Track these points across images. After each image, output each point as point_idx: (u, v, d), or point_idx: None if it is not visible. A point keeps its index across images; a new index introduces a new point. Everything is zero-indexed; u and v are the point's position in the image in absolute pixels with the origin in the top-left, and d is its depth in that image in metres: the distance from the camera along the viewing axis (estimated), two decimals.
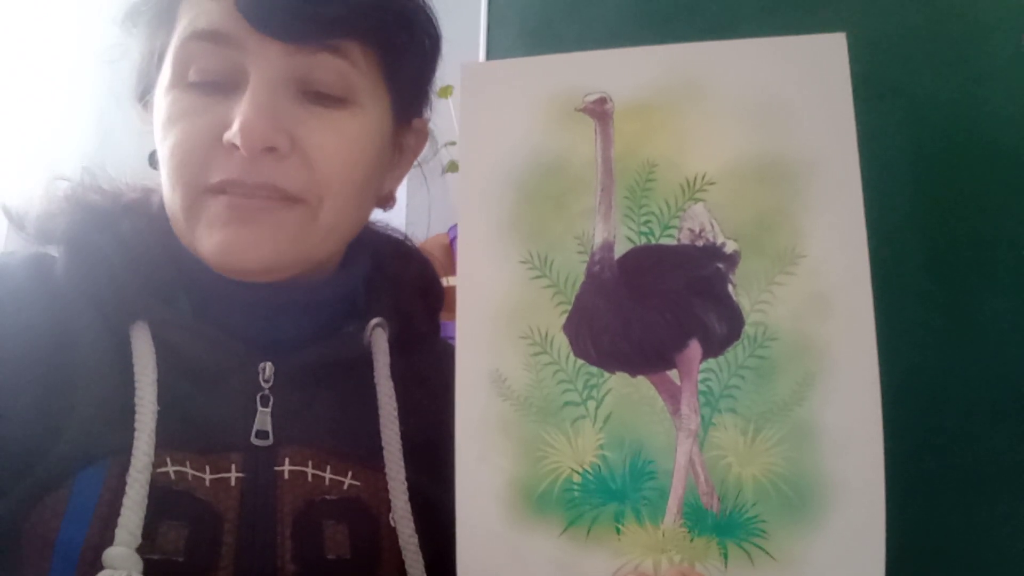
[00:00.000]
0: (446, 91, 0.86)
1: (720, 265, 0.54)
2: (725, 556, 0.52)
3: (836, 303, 0.52)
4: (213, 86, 0.63)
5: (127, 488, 0.56)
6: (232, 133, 0.60)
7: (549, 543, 0.54)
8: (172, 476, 0.59)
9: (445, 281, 0.83)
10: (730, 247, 0.54)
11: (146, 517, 0.56)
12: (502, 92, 0.59)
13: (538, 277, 0.57)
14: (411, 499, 0.65)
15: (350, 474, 0.65)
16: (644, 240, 0.55)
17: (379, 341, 0.71)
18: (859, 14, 0.78)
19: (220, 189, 0.62)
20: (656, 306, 0.55)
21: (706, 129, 0.55)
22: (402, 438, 0.67)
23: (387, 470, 0.65)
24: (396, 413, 0.67)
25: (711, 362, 0.54)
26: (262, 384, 0.65)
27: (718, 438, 0.53)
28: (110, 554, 0.54)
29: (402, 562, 0.63)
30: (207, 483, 0.60)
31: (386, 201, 0.77)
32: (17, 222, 0.68)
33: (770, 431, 0.52)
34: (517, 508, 0.55)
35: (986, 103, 0.71)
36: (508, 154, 0.58)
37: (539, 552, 0.54)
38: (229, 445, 0.62)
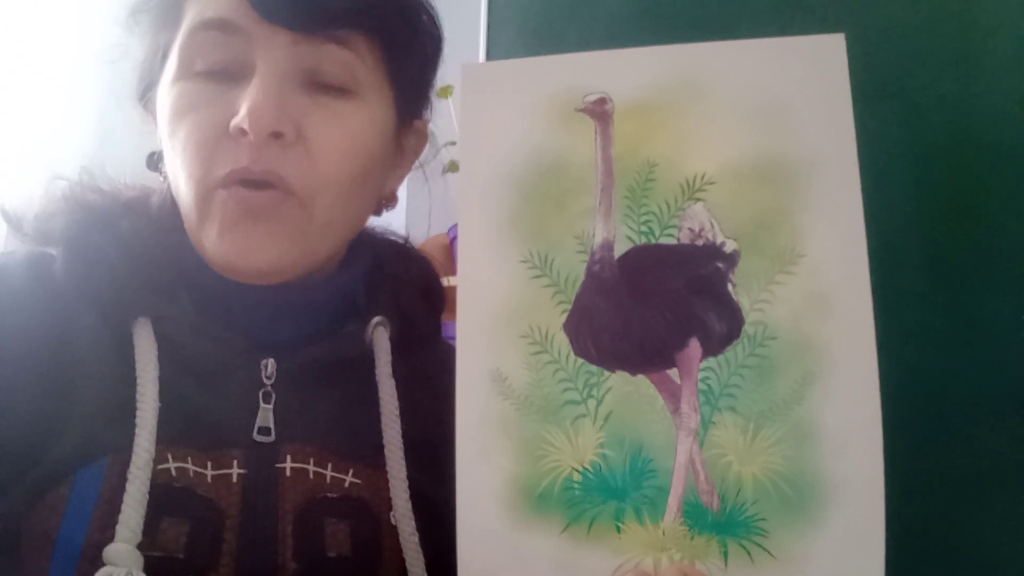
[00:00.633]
0: (446, 91, 0.87)
1: (720, 264, 0.54)
2: (725, 554, 0.52)
3: (835, 302, 0.52)
4: (220, 76, 0.63)
5: (128, 485, 0.56)
6: (240, 118, 0.60)
7: (549, 542, 0.54)
8: (173, 473, 0.59)
9: (445, 281, 0.83)
10: (730, 246, 0.54)
11: (147, 514, 0.56)
12: (502, 92, 0.59)
13: (538, 276, 0.57)
14: (412, 498, 0.65)
15: (351, 472, 0.65)
16: (644, 240, 0.56)
17: (380, 340, 0.71)
18: (859, 14, 0.78)
19: (227, 182, 0.62)
20: (656, 305, 0.55)
21: (706, 129, 0.55)
22: (403, 437, 0.67)
23: (388, 468, 0.65)
24: (397, 412, 0.67)
25: (711, 361, 0.54)
26: (264, 381, 0.65)
27: (718, 437, 0.53)
28: (111, 551, 0.54)
29: (403, 560, 0.63)
30: (208, 480, 0.60)
31: (388, 201, 0.77)
32: (15, 223, 0.68)
33: (770, 430, 0.52)
34: (517, 507, 0.55)
35: (985, 103, 0.71)
36: (508, 154, 0.58)
37: (539, 551, 0.54)
38: (231, 442, 0.62)
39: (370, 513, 0.64)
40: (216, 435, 0.62)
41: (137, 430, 0.58)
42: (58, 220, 0.67)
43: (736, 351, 0.53)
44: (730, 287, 0.54)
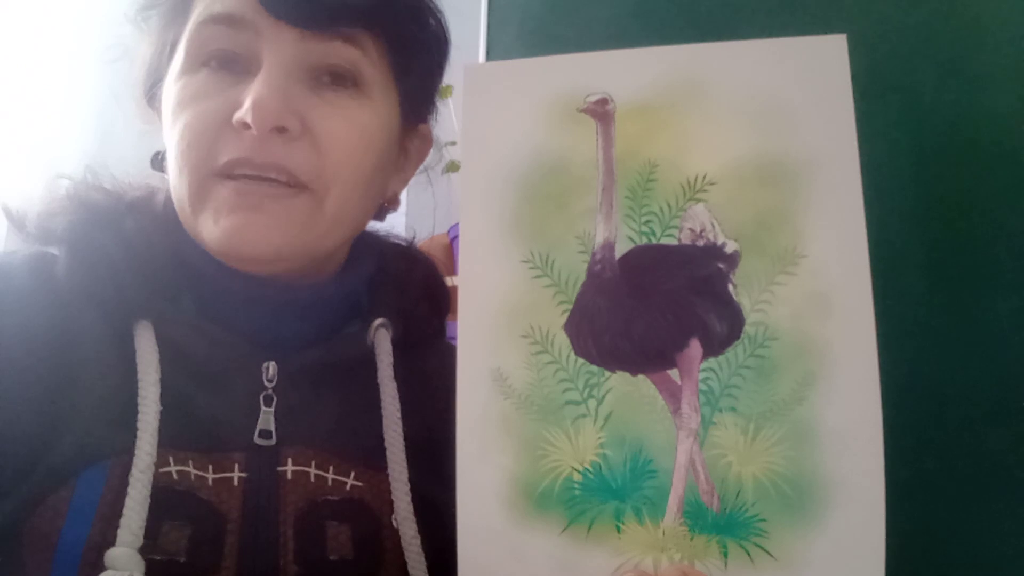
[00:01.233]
0: (447, 91, 0.87)
1: (721, 265, 0.54)
2: (725, 555, 0.52)
3: (836, 303, 0.52)
4: (226, 70, 0.63)
5: (129, 488, 0.56)
6: (243, 111, 0.60)
7: (550, 541, 0.54)
8: (175, 476, 0.59)
9: (447, 281, 0.83)
10: (731, 247, 0.54)
11: (148, 517, 0.56)
12: (504, 93, 0.59)
13: (539, 276, 0.57)
14: (413, 500, 0.65)
15: (353, 475, 0.65)
16: (645, 240, 0.56)
17: (382, 341, 0.71)
18: (859, 15, 0.78)
19: (228, 172, 0.62)
20: (657, 305, 0.55)
21: (707, 129, 0.55)
22: (405, 439, 0.67)
23: (390, 471, 0.65)
24: (399, 414, 0.67)
25: (711, 361, 0.54)
26: (265, 384, 0.65)
27: (718, 437, 0.53)
28: (112, 555, 0.54)
29: (404, 563, 0.63)
30: (210, 483, 0.60)
31: (391, 204, 0.77)
32: (17, 222, 0.68)
33: (770, 430, 0.52)
34: (518, 506, 0.55)
35: (986, 103, 0.71)
36: (510, 154, 0.58)
37: (540, 550, 0.54)
38: (232, 445, 0.62)
39: (371, 516, 0.64)
40: (217, 438, 0.62)
41: (139, 433, 0.58)
42: (61, 219, 0.67)
43: (737, 351, 0.53)
44: (731, 287, 0.54)
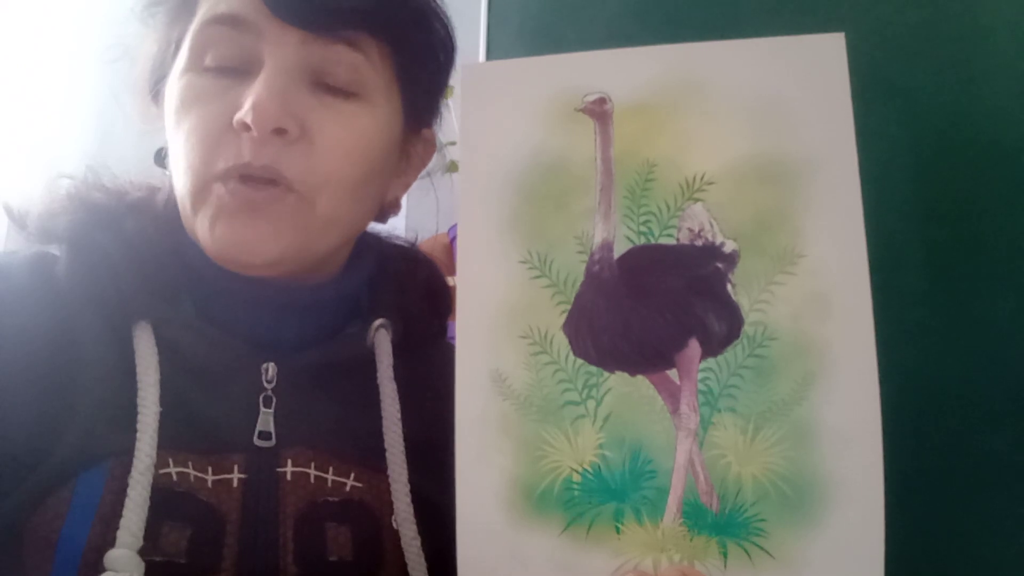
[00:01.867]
0: (447, 92, 0.87)
1: (719, 265, 0.54)
2: (724, 555, 0.52)
3: (835, 302, 0.52)
4: (228, 71, 0.63)
5: (129, 489, 0.56)
6: (243, 112, 0.60)
7: (549, 542, 0.54)
8: (174, 477, 0.59)
9: (448, 281, 0.83)
10: (729, 247, 0.54)
11: (148, 518, 0.56)
12: (502, 93, 0.59)
13: (538, 277, 0.57)
14: (413, 501, 0.65)
15: (352, 476, 0.65)
16: (644, 240, 0.56)
17: (382, 342, 0.71)
18: (858, 14, 0.78)
19: (226, 176, 0.62)
20: (656, 305, 0.55)
21: (705, 129, 0.55)
22: (404, 440, 0.67)
23: (390, 472, 0.65)
24: (399, 415, 0.67)
25: (710, 361, 0.54)
26: (265, 385, 0.65)
27: (718, 437, 0.53)
28: (112, 556, 0.54)
29: (404, 564, 0.63)
30: (209, 484, 0.60)
31: (391, 207, 0.77)
32: (18, 221, 0.68)
33: (769, 430, 0.52)
34: (517, 507, 0.55)
35: (986, 102, 0.71)
36: (508, 154, 0.58)
37: (539, 551, 0.54)
38: (231, 446, 0.62)
39: (371, 517, 0.64)
40: (217, 439, 0.62)
41: (138, 435, 0.58)
42: (62, 219, 0.67)
43: (736, 351, 0.53)
44: (730, 287, 0.54)
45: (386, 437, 0.66)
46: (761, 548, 0.52)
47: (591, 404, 0.55)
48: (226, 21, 0.63)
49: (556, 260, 0.57)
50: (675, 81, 0.56)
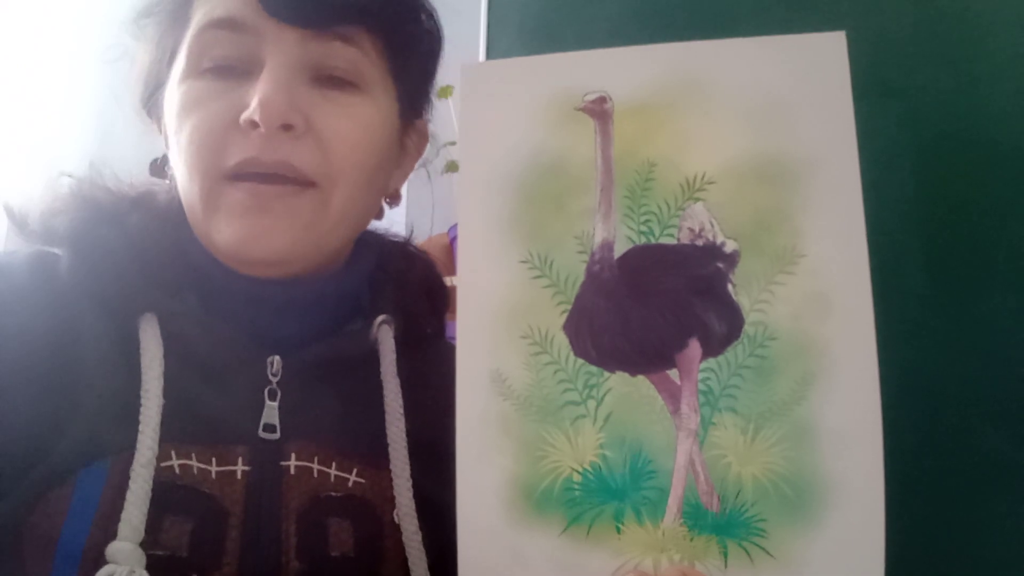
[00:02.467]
0: (446, 91, 0.87)
1: (720, 264, 0.54)
2: (725, 555, 0.52)
3: (836, 302, 0.52)
4: (228, 73, 0.64)
5: (130, 483, 0.56)
6: (251, 110, 0.61)
7: (549, 542, 0.54)
8: (176, 471, 0.59)
9: (447, 281, 0.83)
10: (730, 246, 0.54)
11: (150, 512, 0.56)
12: (502, 92, 0.59)
13: (538, 277, 0.57)
14: (415, 497, 0.65)
15: (355, 471, 0.65)
16: (644, 239, 0.55)
17: (385, 338, 0.71)
18: (859, 13, 0.78)
19: (238, 174, 0.62)
20: (656, 305, 0.55)
21: (706, 128, 0.55)
22: (407, 436, 0.67)
23: (392, 466, 0.65)
24: (402, 410, 0.68)
25: (711, 361, 0.54)
26: (270, 378, 0.65)
27: (718, 437, 0.53)
28: (113, 549, 0.54)
29: (405, 560, 0.63)
30: (213, 476, 0.60)
31: (392, 199, 0.77)
32: (19, 221, 0.68)
33: (770, 430, 0.52)
34: (517, 507, 0.55)
35: (986, 102, 0.71)
36: (508, 154, 0.58)
37: (539, 551, 0.54)
38: (236, 438, 0.62)
39: (373, 513, 0.64)
40: (221, 431, 0.62)
41: (141, 427, 0.58)
42: (64, 217, 0.67)
43: (736, 351, 0.53)
44: (730, 287, 0.54)
45: (389, 432, 0.67)
46: (761, 548, 0.52)
47: (591, 404, 0.55)
48: (224, 25, 0.64)
49: (556, 260, 0.56)
50: (675, 80, 0.56)
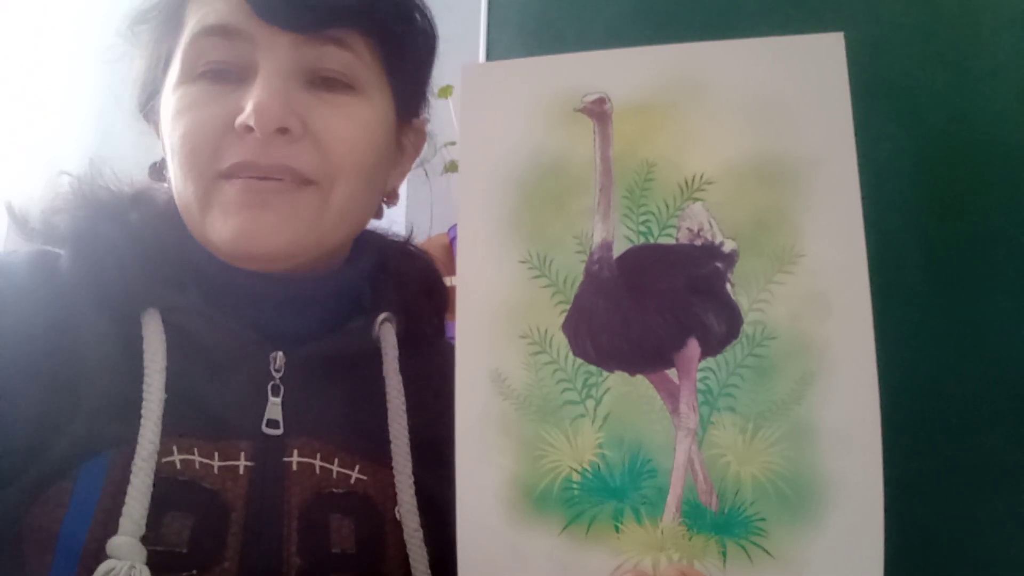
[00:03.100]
0: (446, 91, 0.87)
1: (719, 264, 0.54)
2: (724, 554, 0.52)
3: (834, 302, 0.52)
4: (223, 77, 0.64)
5: (132, 477, 0.56)
6: (246, 115, 0.61)
7: (549, 541, 0.54)
8: (178, 466, 0.59)
9: (447, 281, 0.83)
10: (728, 246, 0.54)
11: (151, 507, 0.56)
12: (501, 93, 0.59)
13: (537, 277, 0.57)
14: (416, 494, 0.65)
15: (357, 468, 0.65)
16: (643, 239, 0.56)
17: (387, 335, 0.71)
18: (859, 13, 0.78)
19: (233, 174, 0.63)
20: (655, 305, 0.55)
21: (704, 129, 0.55)
22: (408, 434, 0.67)
23: (394, 463, 0.66)
24: (404, 407, 0.68)
25: (710, 361, 0.54)
26: (273, 374, 0.65)
27: (717, 437, 0.53)
28: (114, 544, 0.54)
29: (406, 557, 0.63)
30: (215, 471, 0.60)
31: (390, 198, 0.78)
32: (20, 221, 0.68)
33: (769, 430, 0.52)
34: (517, 506, 0.55)
35: (985, 102, 0.71)
36: (507, 154, 0.58)
37: (539, 550, 0.55)
38: (239, 433, 0.62)
39: (375, 510, 0.65)
40: (224, 426, 0.62)
41: (142, 421, 0.58)
42: (65, 215, 0.67)
43: (735, 351, 0.53)
44: (729, 287, 0.54)
45: (391, 429, 0.67)
46: (760, 547, 0.52)
47: (590, 404, 0.55)
48: (217, 31, 0.64)
49: (555, 260, 0.57)
50: (674, 81, 0.56)
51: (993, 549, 0.66)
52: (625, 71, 0.57)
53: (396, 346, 0.71)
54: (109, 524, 0.55)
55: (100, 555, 0.54)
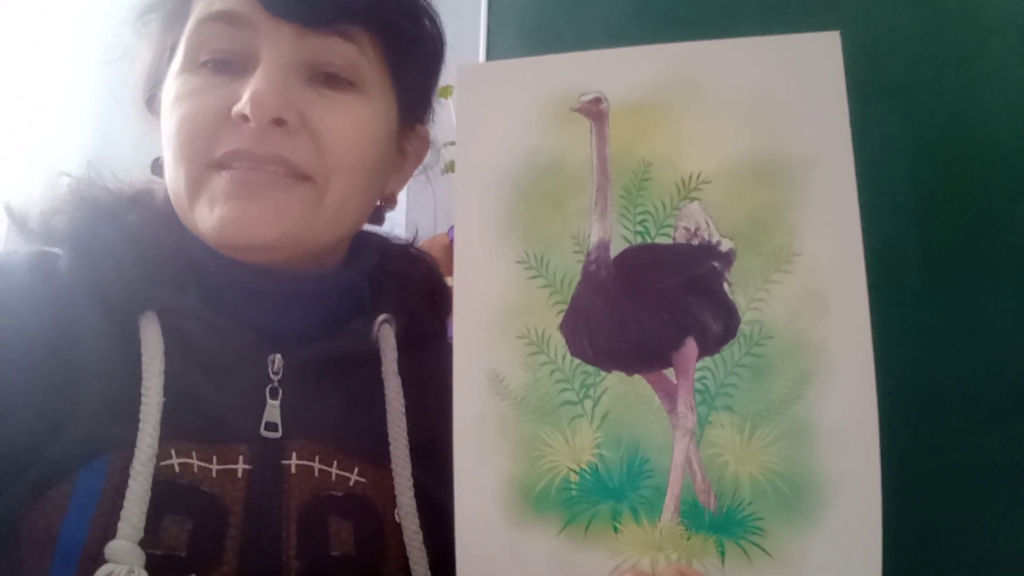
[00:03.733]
0: (446, 91, 0.87)
1: (716, 264, 0.54)
2: (722, 554, 0.52)
3: (832, 301, 0.52)
4: (224, 66, 0.64)
5: (130, 481, 0.56)
6: (242, 104, 0.61)
7: (547, 542, 0.54)
8: (176, 469, 0.59)
9: (449, 282, 0.83)
10: (725, 245, 0.54)
11: (149, 511, 0.56)
12: (498, 93, 0.59)
13: (535, 277, 0.57)
14: (416, 496, 0.65)
15: (356, 470, 0.65)
16: (640, 239, 0.56)
17: (386, 337, 0.71)
18: (857, 12, 0.78)
19: (225, 163, 0.62)
20: (652, 305, 0.55)
21: (701, 128, 0.55)
22: (408, 435, 0.67)
23: (393, 465, 0.65)
24: (403, 409, 0.68)
25: (707, 360, 0.54)
26: (271, 376, 0.65)
27: (715, 436, 0.53)
28: (112, 548, 0.54)
29: (406, 560, 0.63)
30: (213, 474, 0.60)
31: (388, 203, 0.77)
32: (19, 221, 0.68)
33: (767, 429, 0.52)
34: (515, 507, 0.55)
35: (983, 101, 0.71)
36: (505, 154, 0.58)
37: (537, 551, 0.55)
38: (237, 436, 0.62)
39: (374, 512, 0.64)
40: (222, 429, 0.62)
41: (141, 425, 0.58)
42: (64, 216, 0.67)
43: (732, 350, 0.53)
44: (726, 286, 0.54)
45: (390, 431, 0.67)
46: (759, 547, 0.52)
47: (588, 404, 0.55)
48: (221, 18, 0.64)
49: (553, 260, 0.57)
50: (670, 80, 0.56)
51: (992, 548, 0.66)
52: (621, 70, 0.57)
53: (395, 348, 0.71)
54: (108, 526, 0.55)
55: (99, 557, 0.53)
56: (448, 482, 0.57)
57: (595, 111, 0.57)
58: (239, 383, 0.64)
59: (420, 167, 0.80)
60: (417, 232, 0.86)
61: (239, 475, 0.60)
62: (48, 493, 0.56)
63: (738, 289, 0.54)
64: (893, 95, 0.74)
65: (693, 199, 0.55)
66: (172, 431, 0.59)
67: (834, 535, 0.51)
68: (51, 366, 0.60)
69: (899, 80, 0.74)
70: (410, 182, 0.80)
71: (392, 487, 0.65)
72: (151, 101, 0.71)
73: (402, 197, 0.79)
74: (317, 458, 0.64)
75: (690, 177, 0.55)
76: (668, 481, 0.53)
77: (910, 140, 0.73)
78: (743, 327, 0.53)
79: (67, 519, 0.55)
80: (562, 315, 0.56)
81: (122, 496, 0.55)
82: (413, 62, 0.71)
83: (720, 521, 0.52)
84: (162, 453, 0.58)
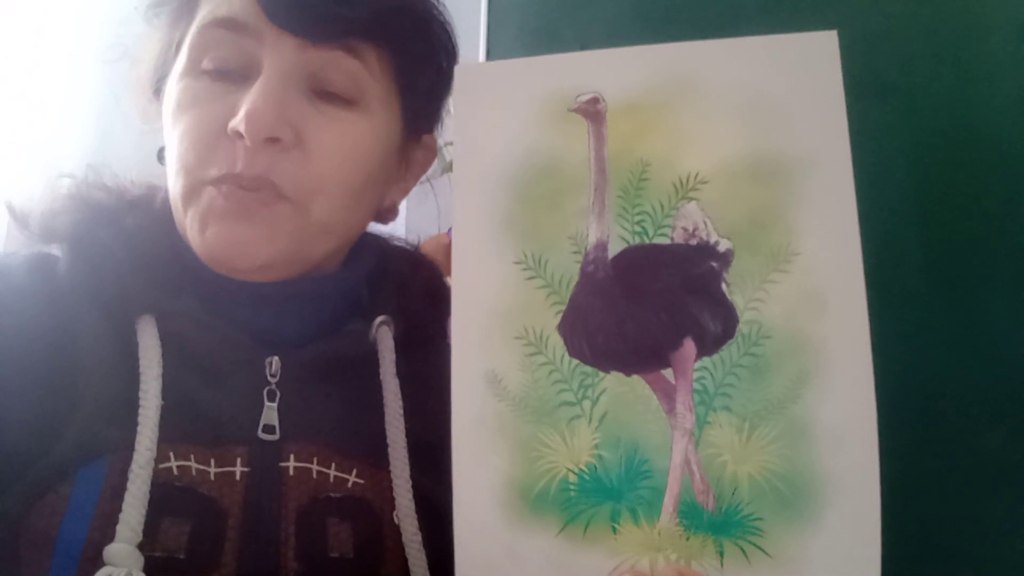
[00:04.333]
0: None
1: (714, 263, 0.54)
2: (721, 554, 0.52)
3: (830, 300, 0.52)
4: (226, 75, 0.64)
5: (129, 484, 0.56)
6: (237, 120, 0.60)
7: (546, 543, 0.54)
8: (175, 471, 0.59)
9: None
10: (723, 245, 0.54)
11: (148, 513, 0.56)
12: (496, 93, 0.59)
13: (532, 277, 0.57)
14: (415, 498, 0.65)
15: (355, 472, 0.65)
16: (638, 239, 0.56)
17: (385, 339, 0.71)
18: (856, 11, 0.78)
19: (218, 183, 0.62)
20: (650, 305, 0.55)
21: (699, 128, 0.55)
22: (406, 437, 0.67)
23: (392, 467, 0.65)
24: (401, 411, 0.68)
25: (706, 360, 0.54)
26: (269, 379, 0.65)
27: (713, 436, 0.53)
28: (111, 551, 0.54)
29: (405, 561, 0.63)
30: (211, 477, 0.60)
31: (388, 213, 0.77)
32: (21, 220, 0.68)
33: (765, 429, 0.52)
34: (514, 508, 0.55)
35: (982, 101, 0.71)
36: (502, 155, 0.58)
37: (536, 551, 0.54)
38: (235, 439, 0.62)
39: (373, 514, 0.64)
40: (220, 432, 0.62)
41: (139, 428, 0.58)
42: (64, 218, 0.67)
43: (731, 350, 0.53)
44: (724, 286, 0.54)
45: (388, 433, 0.67)
46: (758, 547, 0.52)
47: (587, 404, 0.55)
48: (225, 24, 0.64)
49: (551, 260, 0.56)
50: (668, 80, 0.56)
51: (991, 549, 0.66)
52: (619, 70, 0.57)
53: (393, 349, 0.71)
54: (107, 528, 0.55)
55: (98, 560, 0.53)
56: (447, 483, 0.57)
57: (593, 111, 0.57)
58: (237, 385, 0.64)
59: (424, 177, 0.80)
60: (419, 240, 0.86)
61: (237, 477, 0.60)
62: (47, 495, 0.56)
63: (736, 289, 0.54)
64: (891, 94, 0.74)
65: (691, 199, 0.55)
66: (170, 434, 0.59)
67: (833, 535, 0.51)
68: (50, 368, 0.60)
69: (897, 79, 0.74)
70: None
71: (391, 488, 0.65)
72: (158, 91, 0.71)
73: (399, 212, 0.79)
74: (315, 460, 0.64)
75: (688, 177, 0.55)
76: (667, 481, 0.53)
77: (908, 139, 0.73)
78: (741, 327, 0.53)
79: (66, 520, 0.55)
80: (560, 316, 0.56)
81: (121, 499, 0.55)
82: (422, 75, 0.71)
83: (719, 521, 0.52)
84: (160, 456, 0.58)
